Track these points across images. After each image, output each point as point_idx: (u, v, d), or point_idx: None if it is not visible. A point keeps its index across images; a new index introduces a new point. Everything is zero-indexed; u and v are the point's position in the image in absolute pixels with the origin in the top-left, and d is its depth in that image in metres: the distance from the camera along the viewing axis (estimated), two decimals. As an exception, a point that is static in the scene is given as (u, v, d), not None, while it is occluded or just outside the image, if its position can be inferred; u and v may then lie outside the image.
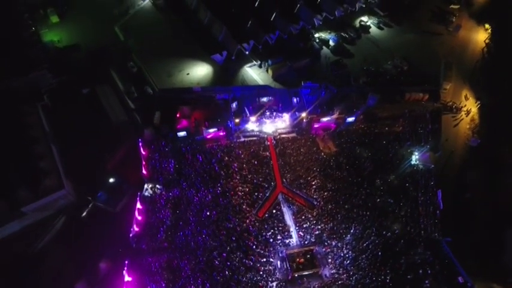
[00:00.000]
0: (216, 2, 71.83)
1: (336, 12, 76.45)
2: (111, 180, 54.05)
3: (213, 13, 70.54)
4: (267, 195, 53.00)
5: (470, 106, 65.02)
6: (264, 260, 47.82)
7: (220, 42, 69.68)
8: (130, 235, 48.23)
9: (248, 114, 58.02)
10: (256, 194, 52.79)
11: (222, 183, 52.88)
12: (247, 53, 69.69)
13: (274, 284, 46.23)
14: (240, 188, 53.10)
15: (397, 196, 53.20)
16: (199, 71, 67.42)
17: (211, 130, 57.13)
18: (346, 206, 51.86)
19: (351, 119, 59.84)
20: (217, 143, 57.04)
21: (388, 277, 46.24)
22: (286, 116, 59.35)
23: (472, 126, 63.00)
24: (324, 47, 73.08)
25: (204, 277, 45.52)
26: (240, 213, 50.88)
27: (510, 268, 50.39)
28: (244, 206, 51.53)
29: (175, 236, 48.57)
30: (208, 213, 50.44)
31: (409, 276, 46.78)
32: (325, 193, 53.17)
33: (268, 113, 58.75)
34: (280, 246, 49.03)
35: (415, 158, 56.26)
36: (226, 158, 55.46)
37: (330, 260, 48.00)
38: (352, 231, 49.89)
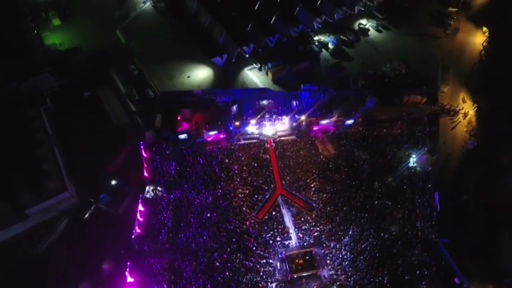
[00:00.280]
0: (216, 6, 72.51)
1: (335, 16, 76.99)
2: (113, 182, 54.70)
3: (214, 16, 71.13)
4: (267, 197, 53.71)
5: (467, 109, 65.68)
6: (264, 261, 48.58)
7: (220, 45, 70.29)
8: (133, 237, 48.98)
9: (248, 117, 58.63)
10: (256, 196, 53.51)
11: (223, 186, 53.60)
12: (247, 56, 70.28)
13: (274, 284, 47.00)
14: (240, 190, 53.83)
15: (394, 198, 53.97)
16: (200, 74, 67.99)
17: (212, 133, 57.84)
18: (345, 208, 52.58)
19: (349, 122, 60.51)
20: (218, 146, 57.77)
21: (385, 278, 47.00)
22: (286, 119, 60.03)
23: (469, 128, 63.61)
24: (323, 49, 73.66)
25: (205, 278, 46.28)
26: (240, 215, 51.61)
27: (506, 269, 51.09)
28: (244, 208, 52.26)
29: (176, 238, 49.29)
30: (209, 215, 51.18)
31: (406, 277, 47.59)
32: (324, 195, 53.90)
33: (268, 116, 59.46)
34: (280, 247, 49.77)
35: (412, 160, 56.97)
36: (227, 160, 56.19)
37: (328, 261, 48.74)
38: (350, 232, 50.61)
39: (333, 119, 60.26)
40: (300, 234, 50.77)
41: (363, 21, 78.43)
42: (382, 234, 50.68)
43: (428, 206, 53.21)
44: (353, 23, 78.64)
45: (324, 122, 60.39)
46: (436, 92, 66.37)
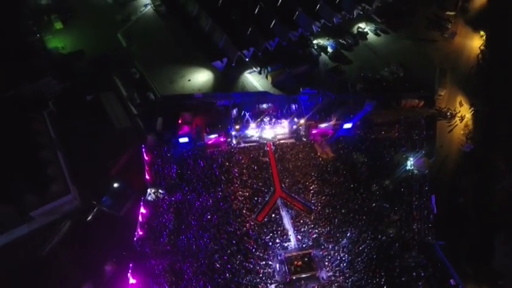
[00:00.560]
0: (216, 10, 73.29)
1: (334, 19, 77.71)
2: (116, 185, 55.39)
3: (214, 20, 71.95)
4: (267, 199, 54.41)
5: (464, 112, 66.38)
6: (264, 263, 49.29)
7: (220, 49, 70.99)
8: (135, 238, 49.67)
9: (248, 120, 59.49)
10: (256, 198, 54.20)
11: (223, 188, 54.31)
12: (247, 59, 71.03)
13: (273, 286, 47.73)
14: (240, 192, 54.58)
15: (392, 201, 54.62)
16: (201, 78, 68.80)
17: (212, 136, 58.37)
18: (343, 211, 53.26)
19: (348, 125, 61.20)
20: (218, 149, 58.46)
21: (382, 279, 47.80)
22: (285, 122, 60.76)
23: (466, 132, 64.29)
24: (322, 53, 74.47)
25: (206, 279, 47.00)
26: (240, 218, 52.35)
27: (501, 271, 52.02)
28: (244, 211, 53.00)
29: (177, 240, 49.99)
30: (209, 217, 51.88)
31: (403, 279, 48.29)
32: (323, 198, 54.64)
33: (267, 119, 60.27)
34: (279, 249, 50.46)
35: (410, 163, 57.59)
36: (227, 163, 56.93)
37: (326, 263, 49.44)
38: (348, 235, 51.31)
39: (332, 122, 60.92)
40: (299, 236, 51.52)
41: (362, 25, 79.20)
42: (379, 236, 51.41)
43: (425, 208, 53.92)
44: (352, 26, 79.37)
45: (322, 125, 61.09)
46: (434, 95, 67.08)
